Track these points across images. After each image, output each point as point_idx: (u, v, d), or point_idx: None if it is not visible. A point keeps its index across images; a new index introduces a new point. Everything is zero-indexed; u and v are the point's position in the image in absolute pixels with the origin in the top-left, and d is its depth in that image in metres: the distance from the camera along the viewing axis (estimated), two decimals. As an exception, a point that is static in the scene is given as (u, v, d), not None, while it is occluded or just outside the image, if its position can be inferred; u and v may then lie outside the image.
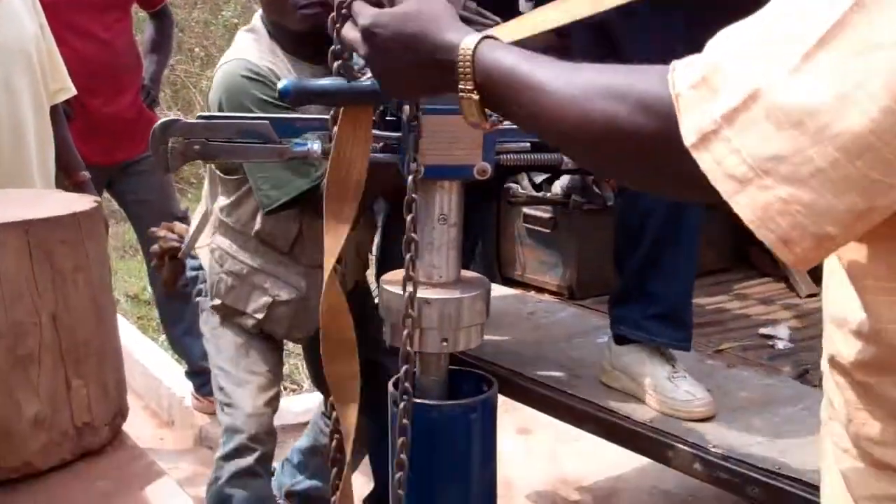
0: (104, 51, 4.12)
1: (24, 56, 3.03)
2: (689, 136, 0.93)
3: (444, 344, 1.95)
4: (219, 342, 2.90)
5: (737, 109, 0.90)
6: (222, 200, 2.82)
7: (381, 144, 1.96)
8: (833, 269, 1.05)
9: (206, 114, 2.16)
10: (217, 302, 2.84)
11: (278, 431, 3.94)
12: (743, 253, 3.79)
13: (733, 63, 0.92)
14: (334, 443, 1.93)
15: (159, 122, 2.00)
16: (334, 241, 1.68)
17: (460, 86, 1.19)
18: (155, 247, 3.13)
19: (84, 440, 1.87)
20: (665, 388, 2.51)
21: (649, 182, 1.13)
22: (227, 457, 2.77)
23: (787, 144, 0.87)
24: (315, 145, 1.96)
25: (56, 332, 1.81)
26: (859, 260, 0.98)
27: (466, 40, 1.19)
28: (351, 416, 1.90)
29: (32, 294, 1.77)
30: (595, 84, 1.05)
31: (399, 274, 2.03)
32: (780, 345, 2.96)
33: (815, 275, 3.54)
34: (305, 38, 2.68)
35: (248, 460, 2.75)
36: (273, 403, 2.86)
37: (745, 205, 0.91)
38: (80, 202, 1.94)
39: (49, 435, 1.81)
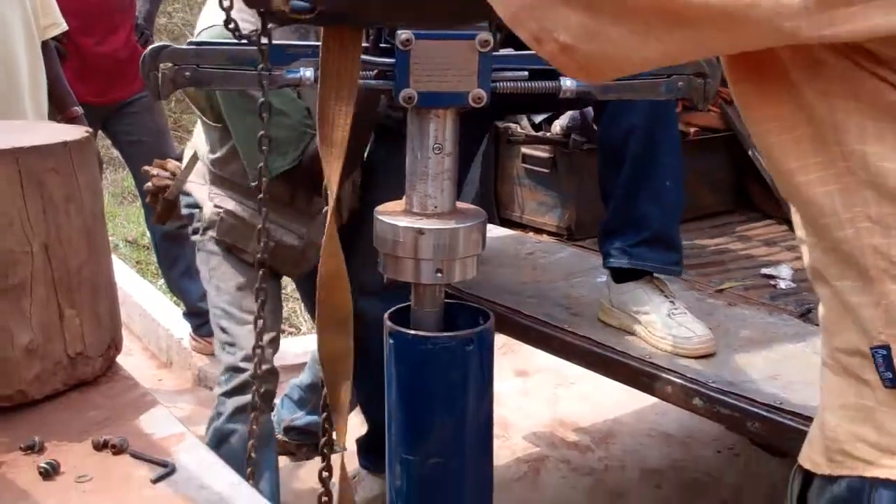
0: (98, -11, 4.08)
1: (16, -8, 2.99)
2: None
3: (439, 275, 1.92)
4: (219, 283, 2.88)
5: None
6: (212, 154, 2.80)
7: (375, 71, 1.92)
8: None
9: (197, 40, 2.12)
10: (216, 236, 2.82)
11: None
12: (745, 195, 3.76)
13: None
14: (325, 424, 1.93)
15: (150, 47, 1.96)
16: (332, 169, 1.66)
17: None
18: (148, 184, 3.10)
19: (78, 370, 1.85)
20: (665, 325, 2.49)
21: None
22: (229, 393, 2.76)
23: None
24: (307, 73, 1.91)
25: (48, 261, 1.78)
26: (762, 110, 1.03)
27: None
28: (343, 395, 1.88)
29: (23, 223, 1.75)
30: None
31: (394, 205, 2.01)
32: (782, 284, 2.94)
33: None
34: None
35: (250, 396, 2.74)
36: (273, 344, 2.84)
37: (504, 4, 1.04)
38: (72, 132, 1.91)
39: (42, 364, 1.79)
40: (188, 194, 2.95)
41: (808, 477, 1.11)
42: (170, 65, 1.92)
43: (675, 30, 0.97)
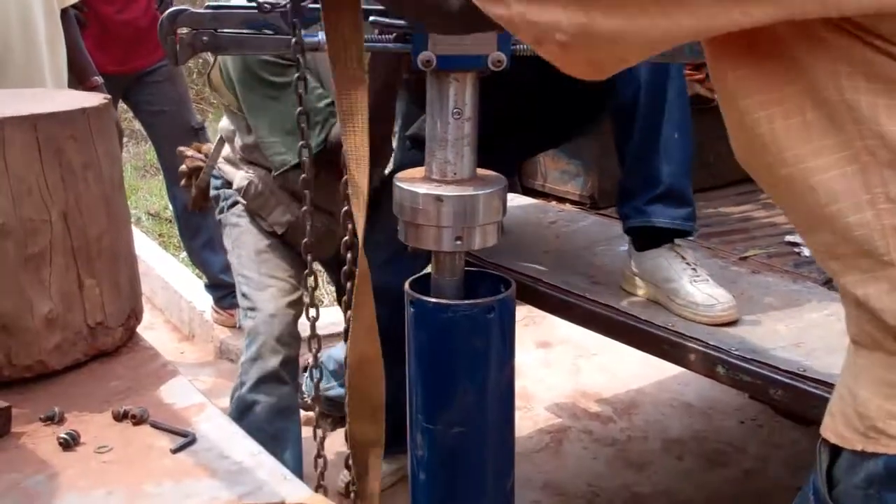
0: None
1: (34, -39, 2.98)
2: None
3: (458, 243, 1.90)
4: (240, 251, 2.89)
5: None
6: (241, 139, 2.83)
7: (394, 35, 1.89)
8: None
9: (215, 3, 2.10)
10: (243, 202, 2.83)
11: (304, 342, 3.97)
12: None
13: None
14: None
15: (167, 11, 1.95)
16: (358, 161, 1.57)
17: None
18: (182, 167, 3.12)
19: (98, 340, 1.85)
20: (687, 292, 2.47)
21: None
22: (252, 359, 2.76)
23: None
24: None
25: (67, 230, 1.77)
26: (763, 94, 1.01)
27: None
28: (373, 486, 1.77)
29: (42, 191, 1.74)
30: None
31: (413, 172, 1.99)
32: (806, 252, 2.90)
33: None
34: None
35: (273, 363, 2.74)
36: (296, 307, 2.83)
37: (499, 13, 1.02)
38: (90, 99, 1.90)
39: (63, 334, 1.78)
40: (218, 177, 2.97)
41: (835, 451, 1.07)
42: (187, 29, 1.91)
43: (676, 8, 0.94)
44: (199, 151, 3.16)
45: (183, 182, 3.22)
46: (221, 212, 3.00)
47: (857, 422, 1.04)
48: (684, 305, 2.46)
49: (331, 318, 4.16)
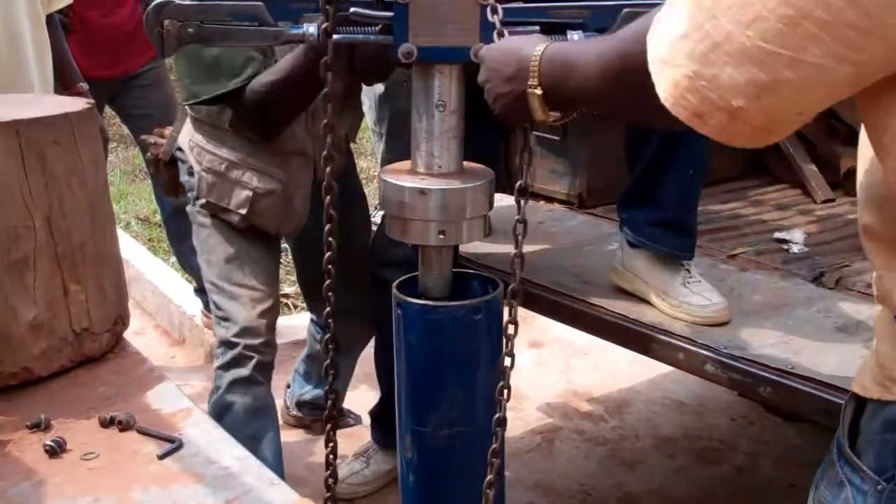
0: (103, -39, 4.04)
1: (20, -34, 2.96)
2: (651, 28, 1.01)
3: (442, 236, 1.90)
4: (208, 256, 2.84)
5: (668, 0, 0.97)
6: (182, 94, 2.74)
7: (379, 26, 1.89)
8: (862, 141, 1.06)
9: None
10: (203, 201, 2.78)
11: (289, 348, 3.96)
12: (758, 159, 3.72)
13: None
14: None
15: (153, 4, 1.93)
16: None
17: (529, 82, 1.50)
18: (148, 154, 3.06)
19: (84, 346, 1.84)
20: (679, 292, 2.47)
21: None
22: (226, 366, 2.74)
23: (690, 23, 0.92)
24: (311, 28, 1.88)
25: (51, 235, 1.77)
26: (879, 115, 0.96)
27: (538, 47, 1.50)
28: None
29: (25, 197, 1.73)
30: (616, 37, 1.30)
31: (400, 165, 1.98)
32: (795, 249, 2.91)
33: (832, 181, 3.48)
34: None
35: (247, 368, 2.73)
36: (268, 315, 2.80)
37: (662, 85, 0.97)
38: (73, 104, 1.90)
39: (48, 340, 1.78)
40: (184, 161, 2.88)
41: (860, 404, 1.12)
42: (174, 21, 1.90)
43: (867, 43, 0.87)
44: (163, 136, 3.08)
45: (152, 170, 3.11)
46: (188, 202, 2.93)
47: (878, 373, 1.08)
48: (677, 306, 2.46)
49: (302, 321, 4.16)
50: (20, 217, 1.72)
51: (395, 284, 1.99)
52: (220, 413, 2.68)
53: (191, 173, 2.80)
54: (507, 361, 1.75)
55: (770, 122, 0.94)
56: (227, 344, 2.75)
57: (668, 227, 2.56)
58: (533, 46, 1.52)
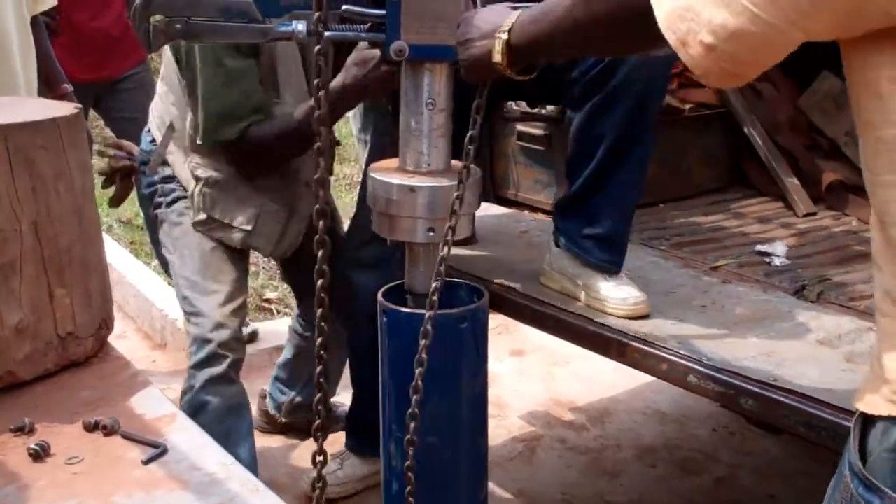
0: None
1: (6, -34, 2.95)
2: None
3: (431, 234, 1.90)
4: (184, 252, 2.85)
5: None
6: (192, 117, 2.77)
7: (369, 24, 1.89)
8: None
9: None
10: (202, 216, 2.79)
11: (273, 353, 3.96)
12: (740, 171, 3.74)
13: None
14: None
15: None
16: None
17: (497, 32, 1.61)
18: (102, 165, 3.03)
19: (69, 350, 1.84)
20: (600, 287, 2.56)
21: (636, 30, 1.25)
22: (199, 365, 2.75)
23: None
24: (300, 26, 1.89)
25: (38, 240, 1.77)
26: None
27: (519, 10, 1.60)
28: None
29: (12, 201, 1.73)
30: None
31: (388, 162, 1.99)
32: (777, 261, 2.93)
33: (813, 194, 3.51)
34: None
35: (222, 366, 2.73)
36: (239, 313, 2.82)
37: (661, 11, 1.09)
38: (61, 108, 1.89)
39: (33, 344, 1.77)
40: (171, 178, 2.90)
41: (867, 421, 1.11)
42: (161, 17, 1.90)
43: (817, 13, 1.01)
44: (121, 149, 3.07)
45: (103, 181, 3.09)
46: (158, 207, 2.93)
47: (885, 389, 1.07)
48: (597, 299, 2.56)
49: (281, 327, 4.16)
50: (7, 220, 1.72)
51: (380, 292, 1.99)
52: (195, 411, 2.68)
53: (166, 180, 2.82)
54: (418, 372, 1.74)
55: (735, 65, 1.07)
56: (200, 341, 2.75)
57: (601, 241, 2.62)
58: (515, 11, 1.62)
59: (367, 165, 2.37)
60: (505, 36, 1.59)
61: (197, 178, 2.79)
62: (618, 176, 2.57)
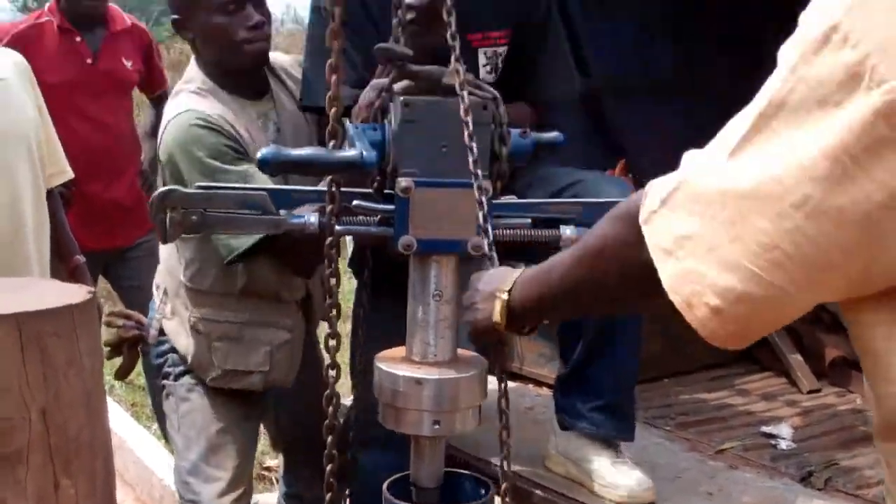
0: (105, 134, 4.14)
1: (24, 141, 3.00)
2: (642, 216, 1.12)
3: (437, 427, 1.90)
4: (189, 432, 2.82)
5: (670, 193, 1.08)
6: (187, 271, 2.78)
7: (378, 217, 1.93)
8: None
9: (205, 184, 2.14)
10: (218, 373, 2.77)
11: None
12: (744, 347, 3.74)
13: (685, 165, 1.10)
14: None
15: (158, 191, 1.98)
16: None
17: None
18: (109, 336, 3.04)
19: (70, 540, 1.81)
20: (605, 473, 2.53)
21: (639, 288, 1.23)
22: None
23: (695, 225, 1.04)
24: (312, 217, 1.93)
25: (46, 427, 1.76)
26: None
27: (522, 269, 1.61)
28: None
29: (23, 388, 1.73)
30: (588, 234, 1.39)
31: (394, 352, 2.00)
32: (783, 444, 2.92)
33: (817, 370, 3.51)
34: (248, 75, 2.70)
35: None
36: (240, 501, 2.78)
37: (665, 273, 1.08)
38: (75, 293, 1.90)
39: (34, 535, 1.75)
40: (163, 342, 2.90)
41: None
42: (178, 209, 1.94)
43: (827, 277, 0.99)
44: (130, 319, 3.07)
45: (108, 353, 3.06)
46: (167, 377, 2.92)
47: None
48: (605, 486, 2.52)
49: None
50: (17, 409, 1.71)
51: (385, 484, 1.98)
52: None
53: (170, 352, 2.81)
54: None
55: (740, 328, 1.05)
56: None
57: (607, 411, 2.61)
58: (515, 270, 1.64)
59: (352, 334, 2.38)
60: (505, 296, 1.60)
61: (198, 335, 2.77)
62: (616, 338, 2.59)
